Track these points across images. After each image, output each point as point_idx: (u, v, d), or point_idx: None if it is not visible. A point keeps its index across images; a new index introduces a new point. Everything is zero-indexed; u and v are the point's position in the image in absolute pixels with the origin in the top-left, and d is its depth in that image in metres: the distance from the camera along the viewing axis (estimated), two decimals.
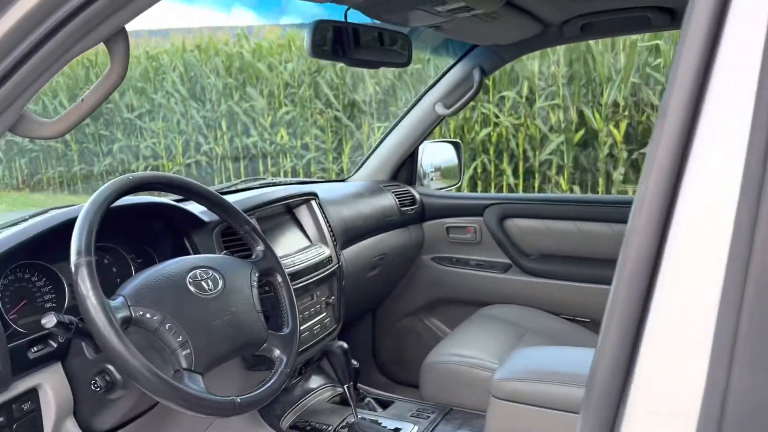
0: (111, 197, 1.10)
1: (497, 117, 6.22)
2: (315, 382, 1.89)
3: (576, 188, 6.06)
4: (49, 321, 1.01)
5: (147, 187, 1.19)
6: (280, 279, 1.36)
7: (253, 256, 1.35)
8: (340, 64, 7.35)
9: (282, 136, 7.78)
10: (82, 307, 0.98)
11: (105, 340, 0.97)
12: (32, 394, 1.13)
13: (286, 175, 7.89)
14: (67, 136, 8.91)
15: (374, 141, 7.18)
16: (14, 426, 1.10)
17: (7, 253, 1.10)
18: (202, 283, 1.18)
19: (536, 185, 6.19)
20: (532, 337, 2.01)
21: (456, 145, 2.61)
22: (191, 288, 1.15)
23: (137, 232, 1.43)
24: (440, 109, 2.22)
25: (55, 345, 1.16)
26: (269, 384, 1.19)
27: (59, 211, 1.22)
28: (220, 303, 1.18)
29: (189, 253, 1.43)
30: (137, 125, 8.49)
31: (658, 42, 5.66)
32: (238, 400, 1.09)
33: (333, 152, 7.61)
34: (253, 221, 1.41)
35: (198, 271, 1.19)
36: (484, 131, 6.25)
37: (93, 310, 0.98)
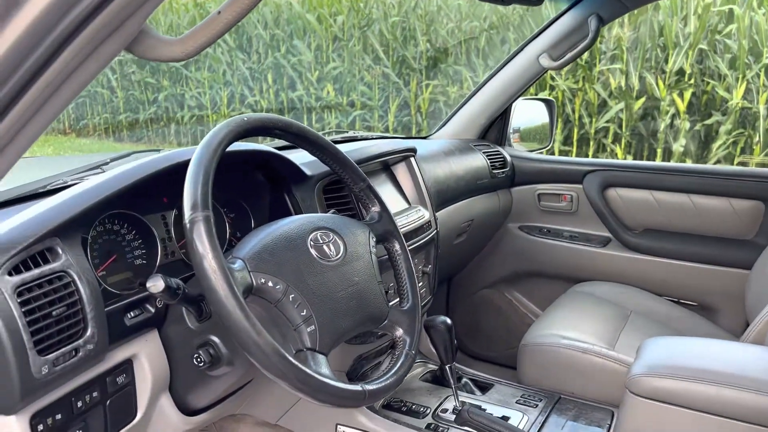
0: (225, 140, 0.92)
1: (554, 80, 5.91)
2: None
3: (630, 159, 5.76)
4: (156, 285, 0.84)
5: (263, 131, 1.00)
6: (398, 246, 1.17)
7: (368, 218, 1.16)
8: (392, 18, 7.12)
9: (328, 92, 7.56)
10: (199, 269, 0.81)
11: (227, 311, 0.80)
12: (127, 365, 0.98)
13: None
14: (114, 83, 8.82)
15: (422, 100, 6.93)
16: (108, 402, 0.95)
17: (103, 202, 0.94)
18: (324, 247, 1.00)
19: (590, 154, 5.91)
20: (637, 319, 1.81)
21: (549, 103, 2.37)
22: (313, 253, 0.98)
23: (233, 184, 1.26)
24: (545, 62, 1.98)
25: (152, 310, 1.00)
26: (396, 369, 1.01)
27: (155, 157, 1.04)
28: (343, 272, 1.00)
29: (288, 210, 1.26)
30: (183, 74, 8.34)
31: (732, 6, 5.27)
32: (368, 388, 0.92)
33: (379, 110, 7.38)
34: None
35: (319, 233, 1.01)
36: (540, 95, 5.95)
37: (212, 275, 0.80)
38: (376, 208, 1.17)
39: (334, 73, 7.53)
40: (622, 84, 5.67)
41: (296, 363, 0.83)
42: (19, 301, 0.79)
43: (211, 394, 1.09)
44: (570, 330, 1.66)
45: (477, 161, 2.08)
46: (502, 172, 2.18)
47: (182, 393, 1.06)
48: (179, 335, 1.02)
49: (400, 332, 1.08)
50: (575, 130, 5.97)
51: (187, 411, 1.09)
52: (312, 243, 0.99)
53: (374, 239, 1.12)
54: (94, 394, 0.92)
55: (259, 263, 0.90)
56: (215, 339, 0.98)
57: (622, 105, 5.70)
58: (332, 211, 1.23)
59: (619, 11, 1.89)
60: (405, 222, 1.50)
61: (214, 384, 1.06)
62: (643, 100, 5.57)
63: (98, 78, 8.87)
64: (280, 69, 7.76)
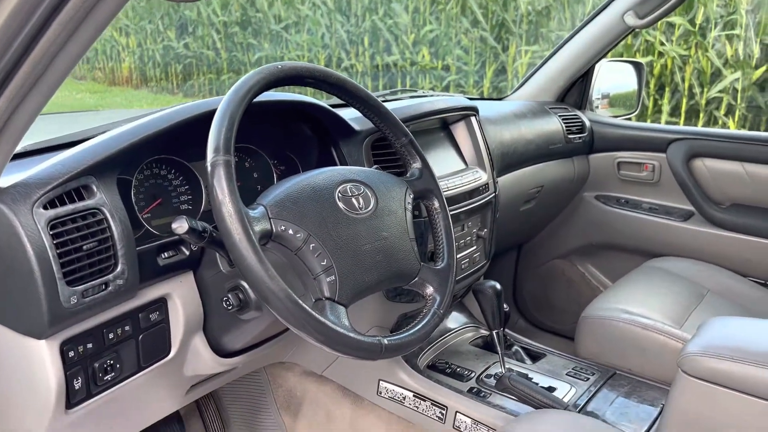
0: (256, 87, 0.92)
1: (663, 45, 5.51)
2: (456, 321, 1.70)
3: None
4: (180, 226, 0.86)
5: (297, 81, 1.00)
6: (437, 204, 1.14)
7: (408, 174, 1.14)
8: None
9: (423, 56, 7.47)
10: (217, 213, 0.83)
11: (240, 254, 0.81)
12: (161, 304, 1.02)
13: None
14: (218, 44, 9.14)
15: (520, 65, 6.70)
16: (140, 336, 0.99)
17: (143, 142, 0.97)
18: (353, 200, 0.99)
19: (699, 126, 5.50)
20: (714, 299, 1.68)
21: (638, 66, 2.22)
22: (340, 204, 0.97)
23: (282, 136, 1.27)
24: (631, 20, 1.85)
25: (187, 253, 1.03)
26: (420, 326, 1.00)
27: (202, 101, 1.06)
28: (371, 225, 0.99)
29: (336, 165, 1.26)
30: (283, 37, 8.51)
31: None
32: (386, 342, 0.91)
33: (475, 75, 7.21)
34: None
35: (349, 185, 1.00)
36: (645, 61, 5.57)
37: (228, 218, 0.82)
38: (417, 165, 1.14)
39: (431, 36, 7.41)
40: (740, 51, 5.21)
41: (310, 310, 0.84)
42: (51, 233, 0.84)
43: (244, 338, 1.13)
44: (635, 305, 1.58)
45: (551, 125, 1.99)
46: (579, 138, 2.07)
47: (216, 335, 1.10)
48: (213, 279, 1.05)
49: (430, 290, 1.06)
50: (684, 101, 5.58)
51: (222, 353, 1.13)
52: (340, 195, 0.98)
53: (412, 196, 1.10)
54: (126, 328, 0.97)
55: (281, 210, 0.90)
56: (244, 284, 1.00)
57: (738, 74, 5.25)
58: (376, 167, 1.21)
59: None
60: (458, 183, 1.46)
61: (245, 328, 1.09)
62: (763, 69, 5.10)
63: (204, 39, 9.23)
64: (376, 32, 7.74)
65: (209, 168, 0.84)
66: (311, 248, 0.90)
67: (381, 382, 1.46)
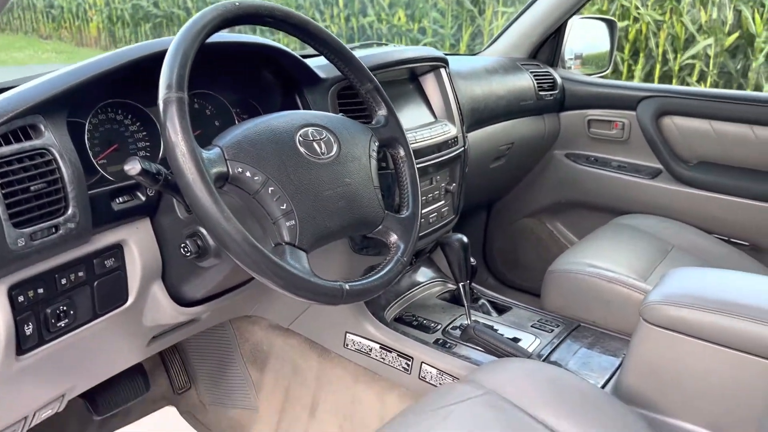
0: (210, 25, 0.89)
1: (638, 9, 5.50)
2: (424, 275, 1.70)
3: None
4: (133, 168, 0.83)
5: (256, 19, 0.96)
6: (402, 152, 1.13)
7: (374, 122, 1.12)
8: None
9: (399, 18, 7.36)
10: (170, 153, 0.80)
11: (194, 196, 0.79)
12: (117, 250, 0.99)
13: None
14: (189, 2, 8.90)
15: (496, 27, 6.63)
16: (95, 283, 0.97)
17: (94, 80, 0.92)
18: (314, 144, 0.96)
19: None
20: (679, 255, 1.71)
21: (611, 23, 2.20)
22: (301, 149, 0.94)
23: (243, 82, 1.23)
24: None
25: (143, 198, 1.00)
26: (383, 272, 0.99)
27: (155, 41, 1.02)
28: (333, 171, 0.97)
29: None
30: None
31: None
32: (347, 287, 0.90)
33: (451, 38, 7.13)
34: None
35: (310, 129, 0.98)
36: (621, 25, 5.57)
37: (181, 158, 0.79)
38: (382, 112, 1.12)
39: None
40: (713, 17, 5.22)
41: (268, 253, 0.82)
42: None
43: (204, 286, 1.10)
44: (601, 259, 1.59)
45: (523, 81, 1.97)
46: (550, 95, 2.06)
47: (175, 283, 1.08)
48: (170, 225, 1.03)
49: (394, 238, 1.05)
50: (658, 66, 5.59)
51: (183, 302, 1.11)
52: (301, 138, 0.95)
53: (377, 144, 1.08)
54: (80, 273, 0.94)
55: (237, 152, 0.87)
56: (202, 230, 0.97)
57: (711, 40, 5.26)
58: (341, 114, 1.19)
59: None
60: (427, 135, 1.44)
61: (205, 276, 1.06)
62: (735, 35, 5.12)
63: None
64: None
65: (161, 106, 0.81)
66: (270, 192, 0.88)
67: (348, 334, 1.46)
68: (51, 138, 0.87)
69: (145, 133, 1.09)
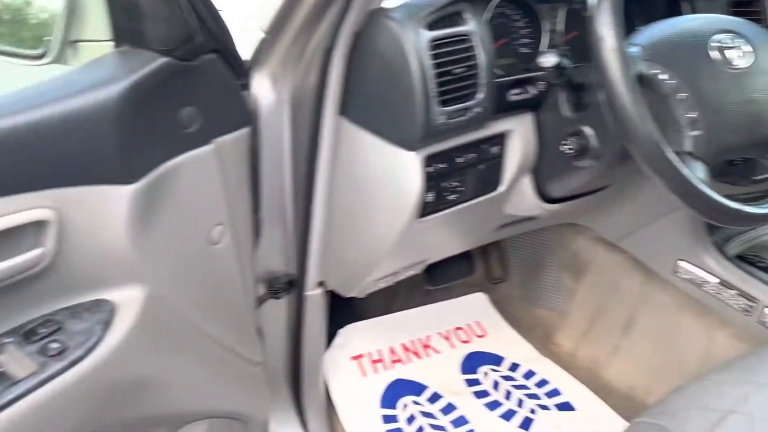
0: None
1: None
2: None
3: None
4: (550, 60, 0.87)
5: None
6: None
7: None
8: None
9: None
10: (597, 47, 0.81)
11: (616, 91, 0.80)
12: (502, 138, 1.06)
13: None
14: None
15: None
16: (481, 166, 1.05)
17: None
18: (728, 52, 0.90)
19: None
20: None
21: None
22: (713, 54, 0.89)
23: None
24: None
25: (532, 93, 1.04)
26: None
27: None
28: (741, 83, 0.90)
29: None
30: None
31: None
32: (749, 210, 0.85)
33: None
34: None
35: (726, 36, 0.91)
36: None
37: (609, 55, 0.80)
38: None
39: None
40: None
41: (676, 159, 0.81)
42: (431, 53, 0.90)
43: (569, 185, 1.13)
44: None
45: None
46: None
47: (544, 178, 1.13)
48: (552, 122, 1.06)
49: None
50: None
51: (544, 197, 1.16)
52: (715, 44, 0.90)
53: None
54: (471, 156, 1.03)
55: (654, 53, 0.86)
56: (588, 130, 0.99)
57: None
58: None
59: None
60: None
61: (575, 175, 1.09)
62: None
63: None
64: None
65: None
66: (679, 98, 0.85)
67: (680, 261, 1.40)
68: (474, 25, 0.94)
69: (530, 29, 1.12)
